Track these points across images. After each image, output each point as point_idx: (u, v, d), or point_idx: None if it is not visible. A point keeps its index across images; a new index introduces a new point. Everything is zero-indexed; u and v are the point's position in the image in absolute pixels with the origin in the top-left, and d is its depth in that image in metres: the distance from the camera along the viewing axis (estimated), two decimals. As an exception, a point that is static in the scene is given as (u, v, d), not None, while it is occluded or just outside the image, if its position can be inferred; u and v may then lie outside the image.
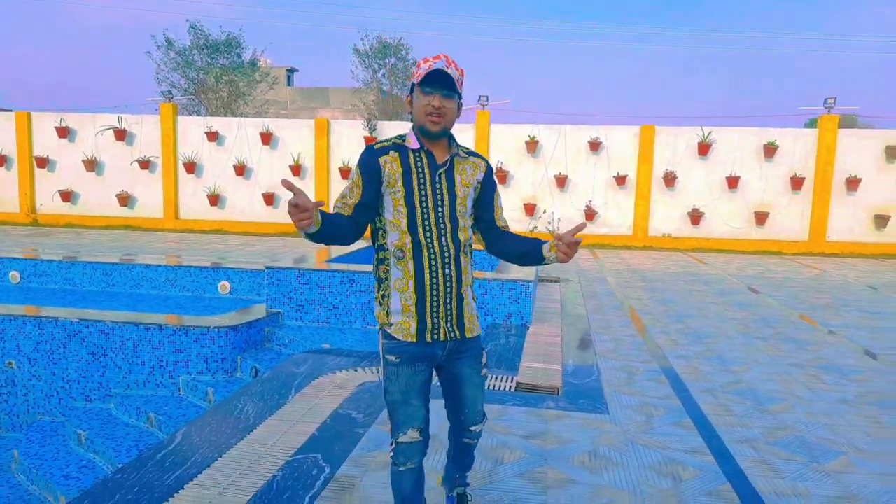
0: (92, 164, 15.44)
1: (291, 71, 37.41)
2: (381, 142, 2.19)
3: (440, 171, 2.17)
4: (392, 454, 2.22)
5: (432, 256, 2.14)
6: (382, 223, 2.19)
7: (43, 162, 15.53)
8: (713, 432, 3.64)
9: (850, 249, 13.19)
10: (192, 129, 15.48)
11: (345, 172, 14.80)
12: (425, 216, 2.14)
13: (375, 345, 6.04)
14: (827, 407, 4.12)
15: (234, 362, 5.84)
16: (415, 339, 2.16)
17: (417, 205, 2.13)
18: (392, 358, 2.18)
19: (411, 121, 2.20)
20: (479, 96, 14.25)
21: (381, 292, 2.22)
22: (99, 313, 6.07)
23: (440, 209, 2.15)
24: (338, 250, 8.10)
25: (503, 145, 14.24)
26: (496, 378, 4.49)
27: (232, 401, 3.94)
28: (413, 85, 2.14)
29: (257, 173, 15.30)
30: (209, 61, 22.45)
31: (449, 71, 2.08)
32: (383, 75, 26.78)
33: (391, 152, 2.14)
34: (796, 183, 13.22)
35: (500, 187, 14.16)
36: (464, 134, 14.25)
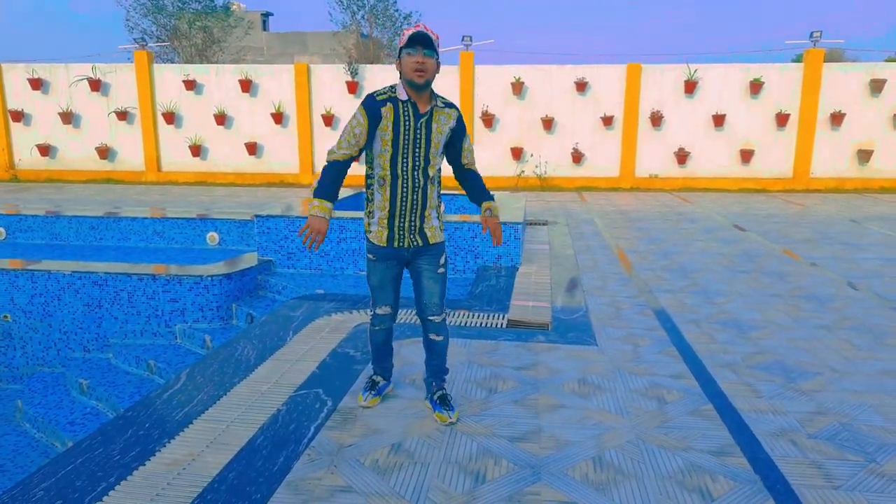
0: (69, 117, 15.09)
1: (266, 15, 36.23)
2: (380, 93, 2.74)
3: (421, 119, 2.74)
4: (371, 320, 3.07)
5: (405, 186, 2.78)
6: (371, 156, 2.82)
7: (18, 115, 15.15)
8: (696, 359, 3.80)
9: (834, 185, 13.36)
10: (168, 77, 15.11)
11: (327, 119, 14.59)
12: (405, 155, 2.75)
13: (367, 289, 6.15)
14: (805, 333, 4.30)
15: (228, 310, 5.92)
16: (385, 245, 2.86)
17: (401, 145, 2.73)
18: (371, 256, 2.93)
19: (400, 78, 2.73)
20: (463, 37, 13.98)
21: (368, 208, 2.89)
22: (91, 264, 6.09)
23: (417, 150, 2.75)
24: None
25: (488, 88, 14.07)
26: (488, 316, 4.62)
27: (232, 344, 4.04)
28: (400, 50, 2.68)
29: (239, 122, 15.05)
30: (181, 6, 21.68)
31: (428, 34, 2.64)
32: (362, 17, 26.06)
33: (388, 104, 2.71)
34: (781, 119, 13.25)
35: (486, 131, 14.12)
36: (449, 76, 14.04)
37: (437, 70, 2.70)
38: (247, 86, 14.65)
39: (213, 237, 8.74)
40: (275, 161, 15.13)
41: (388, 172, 2.77)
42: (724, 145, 13.66)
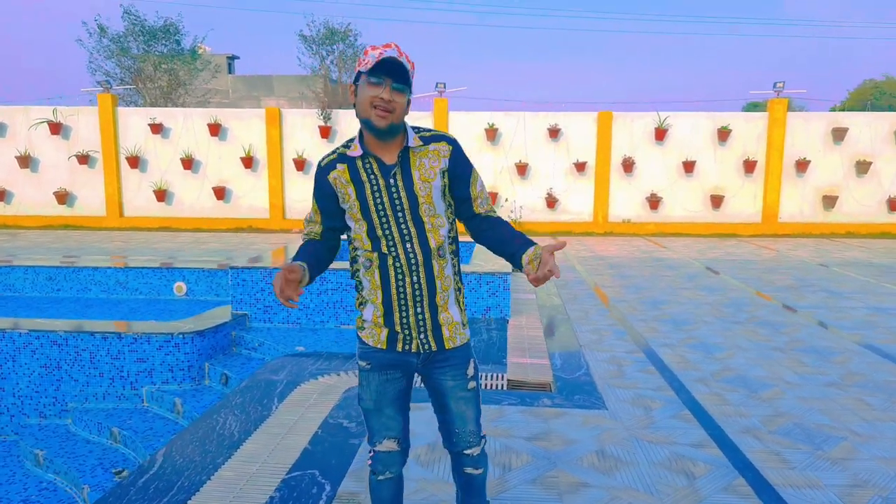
0: (26, 161, 14.49)
1: (232, 58, 36.19)
2: (328, 156, 2.04)
3: (392, 171, 1.95)
4: (370, 462, 2.16)
5: (398, 266, 1.98)
6: (350, 234, 2.07)
7: (-29, 159, 14.50)
8: (713, 423, 3.59)
9: (801, 230, 13.63)
10: (133, 120, 14.71)
11: (299, 164, 14.35)
12: (385, 225, 1.96)
13: (352, 346, 5.83)
14: (816, 391, 4.14)
15: (201, 370, 5.51)
16: (385, 347, 2.05)
17: (374, 215, 1.96)
18: (363, 364, 2.10)
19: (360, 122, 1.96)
20: (437, 83, 14.03)
21: (359, 299, 2.12)
22: (51, 322, 5.64)
23: (400, 215, 1.96)
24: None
25: (462, 133, 14.07)
26: (486, 376, 4.35)
27: (212, 415, 3.67)
28: (358, 74, 1.91)
29: (206, 166, 14.68)
30: (146, 48, 21.39)
31: (402, 59, 1.88)
32: (331, 62, 26.18)
33: (338, 166, 1.99)
34: (749, 166, 13.54)
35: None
36: (422, 122, 14.01)
37: (406, 111, 1.96)
38: (216, 129, 14.35)
39: (180, 287, 8.31)
40: (244, 206, 14.75)
41: (371, 250, 2.00)
42: (695, 191, 13.87)
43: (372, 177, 1.95)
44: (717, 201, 13.70)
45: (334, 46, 26.00)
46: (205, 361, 5.53)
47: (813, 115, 13.75)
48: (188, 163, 14.46)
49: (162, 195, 14.61)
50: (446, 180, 2.01)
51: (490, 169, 14.14)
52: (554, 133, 13.80)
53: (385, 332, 2.03)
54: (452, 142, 2.05)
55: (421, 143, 1.99)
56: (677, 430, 3.48)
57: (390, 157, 1.96)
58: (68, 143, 14.68)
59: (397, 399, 2.10)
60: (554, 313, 6.30)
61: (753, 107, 27.20)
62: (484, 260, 6.79)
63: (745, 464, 3.09)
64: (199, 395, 5.23)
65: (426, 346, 2.04)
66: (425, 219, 1.97)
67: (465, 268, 6.31)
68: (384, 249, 1.98)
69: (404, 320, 2.01)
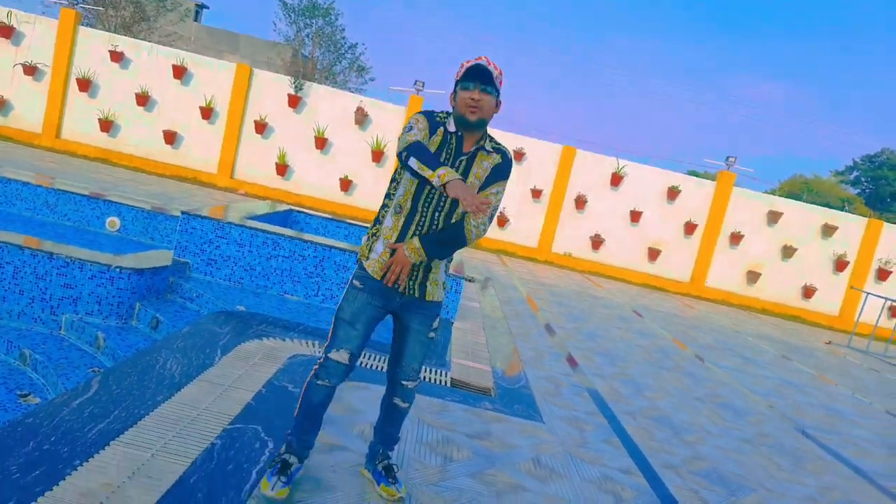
0: (-35, 56, 13.44)
1: (201, 7, 34.93)
2: (438, 113, 2.42)
3: (462, 157, 2.37)
4: (316, 367, 2.45)
5: (421, 224, 2.37)
6: (401, 176, 2.43)
7: None
8: (640, 454, 3.75)
9: (723, 297, 14.41)
10: (94, 43, 13.92)
11: (260, 126, 13.97)
12: (432, 189, 2.34)
13: (294, 314, 5.71)
14: (732, 443, 4.40)
15: (131, 308, 5.27)
16: (380, 278, 2.41)
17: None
18: (357, 283, 2.45)
19: (452, 114, 2.40)
20: (416, 80, 14.03)
21: (373, 230, 2.48)
22: (-22, 227, 5.23)
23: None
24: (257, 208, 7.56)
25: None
26: (429, 370, 4.37)
27: (152, 353, 3.52)
28: (455, 84, 2.35)
29: (162, 107, 14.06)
30: (117, -26, 20.32)
31: (489, 67, 2.30)
32: (308, 35, 25.64)
33: (440, 127, 2.38)
34: (690, 228, 14.23)
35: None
36: (394, 116, 13.97)
37: (496, 109, 2.37)
38: (180, 72, 13.78)
39: (113, 222, 7.89)
40: (193, 156, 14.19)
41: (409, 202, 2.38)
42: (637, 240, 14.43)
43: (449, 150, 2.36)
44: (654, 254, 14.30)
45: (313, 20, 25.51)
46: (137, 301, 5.29)
47: (755, 195, 14.62)
48: (143, 99, 13.79)
49: (107, 126, 13.86)
50: (484, 181, 2.41)
51: (449, 176, 14.21)
52: (518, 156, 14.05)
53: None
54: (506, 157, 2.45)
55: (490, 148, 2.41)
56: (607, 454, 3.62)
57: (467, 146, 2.38)
58: (16, 50, 13.72)
59: (370, 322, 2.44)
60: (497, 325, 6.41)
61: (693, 173, 28.57)
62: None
63: (667, 496, 3.25)
64: (124, 333, 4.99)
65: (411, 292, 2.43)
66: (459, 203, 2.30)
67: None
68: (419, 208, 2.37)
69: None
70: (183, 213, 6.19)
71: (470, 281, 8.71)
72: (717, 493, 3.45)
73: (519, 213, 14.32)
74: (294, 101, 13.96)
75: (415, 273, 2.41)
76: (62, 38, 13.67)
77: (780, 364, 8.18)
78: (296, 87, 14.01)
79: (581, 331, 7.22)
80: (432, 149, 2.33)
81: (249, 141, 14.19)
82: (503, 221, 14.19)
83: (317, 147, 14.11)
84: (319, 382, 2.43)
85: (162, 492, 2.21)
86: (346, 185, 14.18)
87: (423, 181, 2.24)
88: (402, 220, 2.39)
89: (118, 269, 5.12)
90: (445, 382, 4.21)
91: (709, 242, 14.30)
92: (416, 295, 2.43)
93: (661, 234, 14.40)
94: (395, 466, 2.62)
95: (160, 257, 5.90)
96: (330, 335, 2.44)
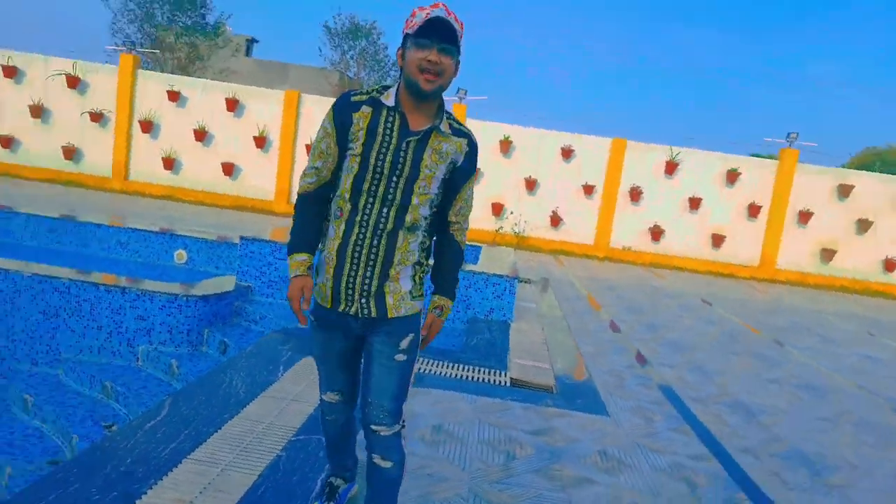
0: (38, 111, 14.42)
1: (252, 41, 36.28)
2: (360, 93, 1.96)
3: (409, 139, 1.90)
4: (320, 404, 2.24)
5: (364, 224, 1.91)
6: (339, 175, 1.99)
7: (-17, 103, 14.41)
8: (713, 439, 3.63)
9: (797, 278, 13.76)
10: (151, 85, 14.69)
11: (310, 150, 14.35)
12: (374, 182, 1.90)
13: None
14: (813, 423, 4.19)
15: (200, 335, 5.49)
16: (328, 305, 1.99)
17: (370, 171, 1.90)
18: (312, 318, 2.08)
19: (400, 77, 1.93)
20: (458, 89, 14.11)
21: (321, 248, 2.04)
22: (57, 269, 5.59)
23: (394, 179, 1.90)
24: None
25: (478, 142, 14.10)
26: (488, 372, 4.36)
27: (218, 374, 3.67)
28: (406, 36, 1.87)
29: (218, 140, 14.66)
30: (171, 18, 21.40)
31: (450, 19, 1.81)
32: (352, 57, 26.29)
33: (363, 108, 1.92)
34: (753, 210, 13.68)
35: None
36: (437, 126, 14.08)
37: (455, 73, 1.90)
38: (233, 105, 14.35)
39: (181, 255, 8.27)
40: (250, 185, 14.73)
41: (348, 200, 1.93)
42: (697, 227, 13.98)
43: (388, 133, 1.89)
44: (718, 240, 13.82)
45: (356, 42, 26.12)
46: (205, 327, 5.51)
47: (821, 169, 13.92)
48: (201, 134, 14.43)
49: (170, 163, 14.56)
50: (449, 174, 1.98)
51: (499, 180, 14.21)
52: (567, 153, 13.90)
53: (330, 287, 1.97)
54: (473, 144, 2.04)
55: (449, 131, 1.97)
56: (677, 442, 3.51)
57: (415, 124, 1.91)
58: (83, 100, 14.62)
59: (341, 357, 2.10)
60: (556, 323, 6.33)
61: (757, 156, 27.51)
62: (491, 261, 6.82)
63: (745, 480, 3.12)
64: (195, 359, 5.20)
65: (365, 312, 1.95)
66: (416, 193, 1.92)
67: (472, 268, 6.34)
68: (360, 205, 1.92)
69: (350, 281, 1.93)
70: (242, 238, 6.42)
71: (526, 282, 8.65)
72: (800, 473, 3.30)
73: (572, 212, 14.13)
74: (341, 123, 14.27)
75: (365, 289, 1.94)
76: (123, 83, 14.48)
77: (864, 341, 7.74)
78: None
79: (644, 323, 7.04)
80: (361, 136, 1.90)
81: (302, 165, 14.60)
82: (557, 221, 14.03)
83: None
84: (328, 418, 2.24)
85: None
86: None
87: (362, 167, 1.90)
88: (343, 223, 1.94)
89: (186, 298, 5.36)
90: (505, 383, 4.19)
91: (776, 223, 13.69)
92: (374, 314, 1.95)
93: (723, 219, 13.90)
94: None
95: (224, 283, 6.14)
96: (318, 374, 2.20)
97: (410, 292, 1.99)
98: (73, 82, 14.35)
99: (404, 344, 1.98)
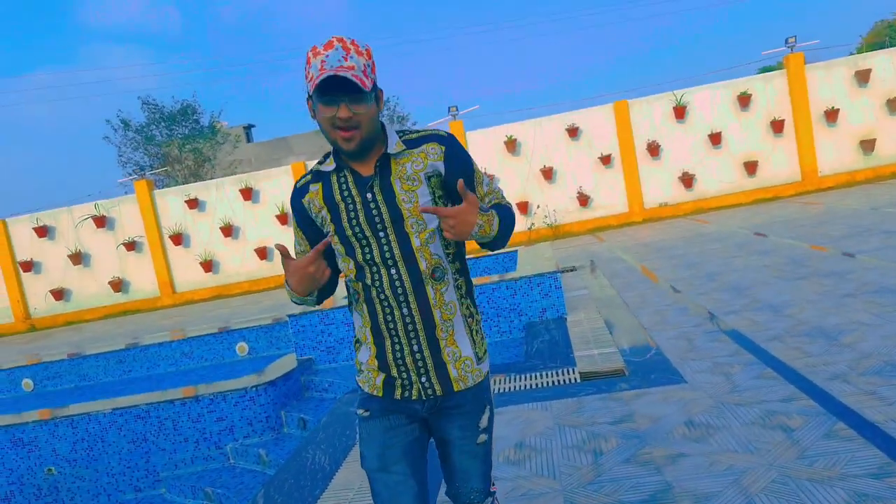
0: (78, 258, 15.17)
1: (249, 127, 37.43)
2: (303, 177, 1.76)
3: (368, 184, 1.64)
4: None
5: (382, 297, 1.66)
6: (339, 263, 1.77)
7: (28, 265, 15.24)
8: (799, 376, 3.51)
9: (845, 180, 13.23)
10: (170, 200, 15.30)
11: (332, 211, 14.64)
12: (366, 250, 1.65)
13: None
14: (898, 327, 4.02)
15: (278, 419, 5.64)
16: (381, 395, 1.71)
17: (353, 240, 1.66)
18: (362, 412, 1.75)
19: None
20: (449, 108, 14.22)
21: (355, 338, 1.80)
22: (130, 398, 5.85)
23: (381, 235, 1.64)
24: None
25: (483, 150, 14.19)
26: (557, 373, 4.34)
27: (301, 453, 3.76)
28: (309, 96, 1.61)
29: (245, 230, 15.12)
30: (169, 133, 22.35)
31: (348, 74, 1.50)
32: (344, 111, 26.81)
33: (311, 187, 1.72)
34: (777, 126, 13.28)
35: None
36: (442, 148, 14.18)
37: (378, 110, 1.63)
38: (248, 193, 14.81)
39: (242, 348, 8.53)
40: (286, 261, 15.07)
41: (356, 279, 1.70)
42: (727, 162, 13.64)
43: (347, 195, 1.65)
44: (751, 168, 13.43)
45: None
46: (280, 410, 5.66)
47: (832, 63, 13.43)
48: (227, 230, 14.91)
49: (208, 266, 15.07)
50: (435, 187, 1.67)
51: (516, 179, 14.20)
52: (573, 132, 13.81)
53: (381, 376, 1.70)
54: (445, 140, 1.70)
55: (404, 147, 1.67)
56: (763, 389, 3.42)
57: (367, 169, 1.65)
58: (114, 234, 15.32)
59: (408, 453, 1.70)
60: (611, 303, 6.26)
61: (768, 69, 26.74)
62: (530, 263, 6.80)
63: (841, 408, 3.02)
64: (281, 443, 5.34)
65: (429, 392, 1.68)
66: (413, 236, 1.64)
67: (513, 275, 6.34)
68: (368, 280, 1.67)
69: (399, 361, 1.68)
70: (290, 316, 6.59)
71: (570, 271, 8.58)
72: (897, 386, 3.16)
73: (597, 187, 13.99)
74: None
75: (420, 365, 1.67)
76: (144, 207, 15.12)
77: (932, 223, 7.38)
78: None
79: (698, 275, 6.89)
80: (324, 214, 1.69)
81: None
82: (585, 200, 13.90)
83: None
84: None
85: (342, 576, 2.34)
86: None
87: (346, 244, 1.68)
88: (364, 305, 1.71)
89: (254, 388, 5.52)
90: (575, 379, 4.16)
91: (805, 132, 13.24)
92: (439, 392, 1.69)
93: (750, 146, 13.52)
94: None
95: (286, 363, 6.30)
96: (373, 497, 1.74)
97: (475, 354, 1.73)
98: (100, 222, 15.08)
99: (483, 423, 1.77)
